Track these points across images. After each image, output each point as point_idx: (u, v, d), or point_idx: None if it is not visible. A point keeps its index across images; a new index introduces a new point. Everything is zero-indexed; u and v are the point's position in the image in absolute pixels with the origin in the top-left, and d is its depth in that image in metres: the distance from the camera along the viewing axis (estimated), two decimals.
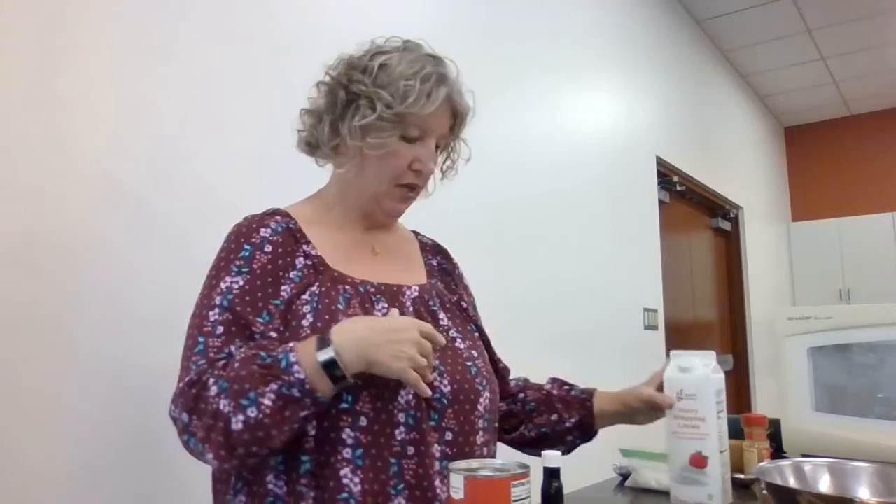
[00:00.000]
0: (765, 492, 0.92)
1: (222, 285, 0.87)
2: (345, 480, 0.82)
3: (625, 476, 1.29)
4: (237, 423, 0.76)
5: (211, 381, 0.80)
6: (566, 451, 1.08)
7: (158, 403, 0.93)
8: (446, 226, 1.40)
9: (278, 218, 0.95)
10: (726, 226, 4.67)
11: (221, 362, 0.82)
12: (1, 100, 1.10)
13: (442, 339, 0.86)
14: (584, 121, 2.91)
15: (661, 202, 3.59)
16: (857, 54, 4.65)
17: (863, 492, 0.93)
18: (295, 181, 1.10)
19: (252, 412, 0.76)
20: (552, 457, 0.83)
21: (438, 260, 1.11)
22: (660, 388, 1.03)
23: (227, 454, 0.78)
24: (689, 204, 4.19)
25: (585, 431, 1.09)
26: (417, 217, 1.11)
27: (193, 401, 0.80)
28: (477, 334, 1.05)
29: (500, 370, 1.12)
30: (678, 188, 3.84)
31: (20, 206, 1.11)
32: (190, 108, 1.38)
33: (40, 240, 1.13)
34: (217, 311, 0.86)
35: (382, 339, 0.81)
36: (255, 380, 0.77)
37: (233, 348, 0.84)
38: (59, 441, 1.12)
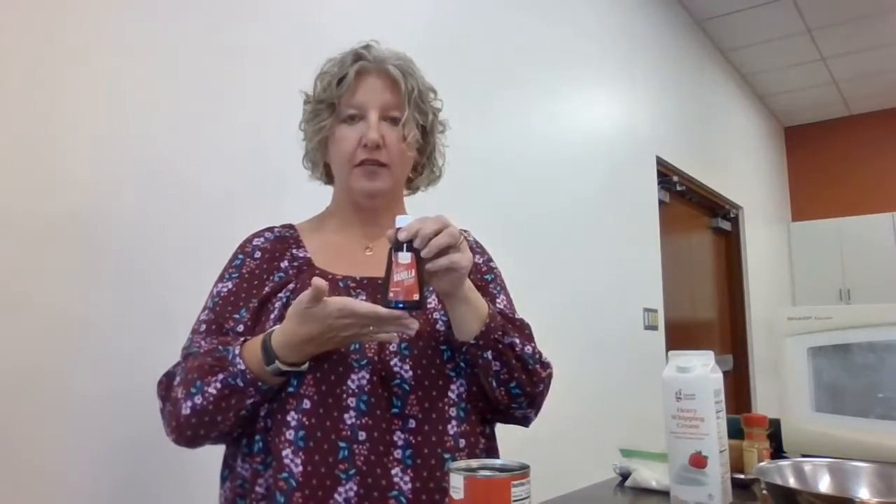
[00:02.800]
0: (765, 492, 0.92)
1: (214, 290, 0.98)
2: (286, 461, 0.84)
3: (625, 476, 1.29)
4: (185, 409, 0.85)
5: (178, 370, 0.91)
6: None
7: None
8: None
9: (276, 229, 1.04)
10: (726, 226, 4.67)
11: (191, 355, 0.91)
12: (10, 98, 1.10)
13: (321, 284, 0.80)
14: (584, 121, 2.91)
15: (661, 202, 3.59)
16: (857, 54, 4.65)
17: (863, 492, 0.93)
18: (295, 184, 1.12)
19: (198, 399, 0.85)
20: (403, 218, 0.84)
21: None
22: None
23: (178, 436, 0.87)
24: (689, 204, 4.19)
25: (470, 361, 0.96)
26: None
27: (165, 389, 0.92)
28: None
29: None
30: (678, 188, 3.84)
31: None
32: (191, 111, 1.39)
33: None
34: (206, 312, 0.96)
35: (318, 344, 0.84)
36: (203, 371, 0.86)
37: (203, 342, 0.92)
38: (81, 436, 1.14)
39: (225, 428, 0.86)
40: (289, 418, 0.86)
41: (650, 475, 1.22)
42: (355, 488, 0.83)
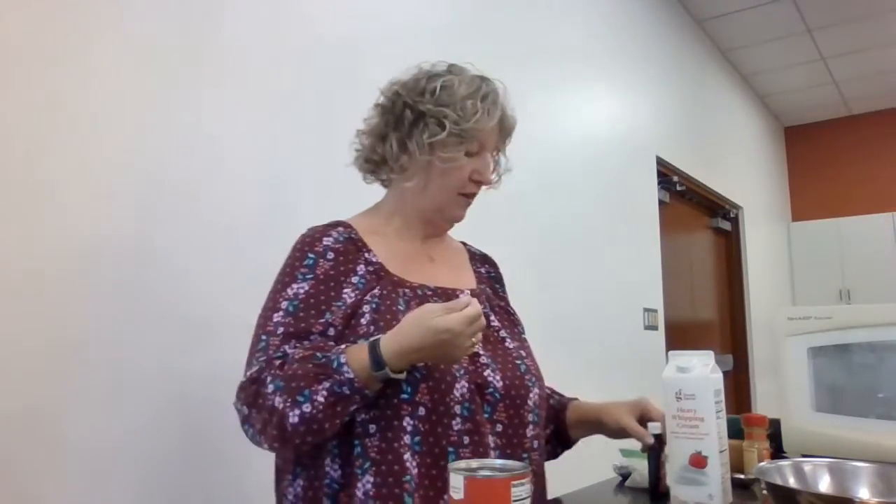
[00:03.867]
0: (765, 492, 0.92)
1: (289, 291, 0.97)
2: (407, 464, 0.89)
3: (625, 476, 1.29)
4: (294, 417, 0.86)
5: (269, 379, 0.89)
6: (550, 457, 1.15)
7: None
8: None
9: (340, 229, 1.04)
10: (726, 226, 4.67)
11: (278, 361, 0.91)
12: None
13: (479, 308, 0.90)
14: (583, 121, 2.91)
15: (661, 202, 3.59)
16: (857, 54, 4.65)
17: (863, 492, 0.93)
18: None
19: (307, 408, 0.86)
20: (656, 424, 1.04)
21: (486, 268, 1.21)
22: (642, 421, 1.09)
23: (281, 444, 0.89)
24: (689, 204, 4.19)
25: (562, 441, 1.19)
26: None
27: (253, 396, 0.90)
28: (525, 336, 1.14)
29: None
30: (678, 188, 3.84)
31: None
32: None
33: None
34: (281, 314, 0.95)
35: (426, 354, 0.88)
36: (309, 378, 0.87)
37: (287, 348, 0.92)
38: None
39: (330, 434, 0.89)
40: (405, 424, 0.91)
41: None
42: None
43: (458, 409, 0.93)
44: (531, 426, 1.01)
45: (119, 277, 1.21)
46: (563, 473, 1.18)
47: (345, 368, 0.87)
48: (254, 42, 1.53)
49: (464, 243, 1.24)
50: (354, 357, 0.88)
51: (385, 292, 0.98)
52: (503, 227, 2.27)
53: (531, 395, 1.02)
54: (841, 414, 1.37)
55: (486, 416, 0.96)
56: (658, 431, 1.09)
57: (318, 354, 0.89)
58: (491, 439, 0.95)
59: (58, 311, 1.13)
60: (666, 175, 3.69)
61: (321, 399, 0.86)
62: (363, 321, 0.95)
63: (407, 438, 0.90)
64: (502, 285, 1.23)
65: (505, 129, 1.10)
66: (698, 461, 0.96)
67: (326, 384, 0.86)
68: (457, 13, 2.20)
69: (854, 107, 5.62)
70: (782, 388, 1.45)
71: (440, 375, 0.93)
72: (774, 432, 1.38)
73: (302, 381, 0.87)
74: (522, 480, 0.66)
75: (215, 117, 1.43)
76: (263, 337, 0.95)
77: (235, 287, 1.34)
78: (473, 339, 0.89)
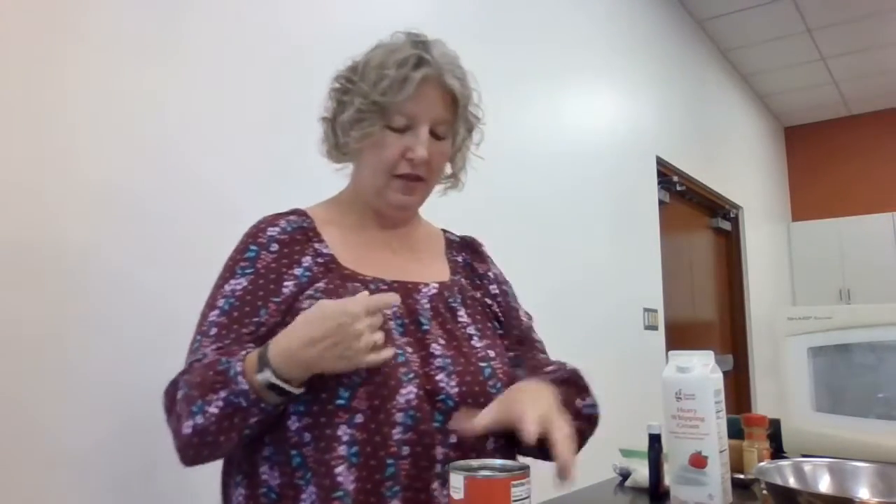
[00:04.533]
0: (765, 492, 0.92)
1: (227, 287, 0.89)
2: (339, 478, 0.80)
3: (625, 476, 1.29)
4: (186, 428, 0.80)
5: (181, 382, 0.83)
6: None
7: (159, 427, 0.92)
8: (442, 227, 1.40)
9: (292, 217, 0.96)
10: (726, 226, 4.66)
11: (196, 363, 0.84)
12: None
13: (389, 299, 0.80)
14: (583, 121, 2.91)
15: (661, 202, 3.59)
16: (857, 54, 4.65)
17: (863, 492, 0.93)
18: (304, 184, 1.10)
19: (199, 419, 0.79)
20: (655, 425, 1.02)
21: (464, 255, 1.08)
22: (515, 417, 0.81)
23: (183, 455, 0.83)
24: (689, 204, 4.19)
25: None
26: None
27: (170, 401, 0.85)
28: (500, 332, 1.02)
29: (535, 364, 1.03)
30: (678, 188, 3.84)
31: (17, 213, 1.11)
32: (193, 109, 1.38)
33: (37, 248, 1.13)
34: (217, 312, 0.87)
35: (319, 350, 0.77)
36: (205, 387, 0.79)
37: (208, 350, 0.85)
38: (60, 468, 1.11)
39: (228, 448, 0.82)
40: (339, 433, 0.81)
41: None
42: None
43: (399, 416, 0.82)
44: (493, 438, 0.88)
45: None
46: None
47: (240, 378, 0.78)
48: (226, 44, 1.53)
49: (444, 230, 1.12)
50: (250, 363, 0.79)
51: (331, 286, 0.88)
52: (503, 227, 2.27)
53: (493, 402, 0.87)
54: (841, 414, 1.37)
55: (436, 425, 0.84)
56: (657, 431, 1.09)
57: (223, 360, 0.80)
58: (440, 451, 0.84)
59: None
60: (666, 175, 3.70)
61: (214, 410, 0.78)
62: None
63: (342, 449, 0.81)
64: (481, 272, 1.08)
65: (451, 99, 0.94)
66: (698, 461, 0.96)
67: (222, 394, 0.78)
68: (454, 15, 2.20)
69: (854, 107, 5.62)
70: (782, 388, 1.46)
71: (382, 379, 0.83)
72: (774, 432, 1.38)
73: (198, 390, 0.79)
74: (522, 480, 0.66)
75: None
76: (198, 337, 0.87)
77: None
78: (374, 335, 0.78)
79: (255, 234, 0.93)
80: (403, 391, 0.84)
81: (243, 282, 0.88)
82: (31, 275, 1.11)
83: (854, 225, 5.42)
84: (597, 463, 1.37)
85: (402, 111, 0.91)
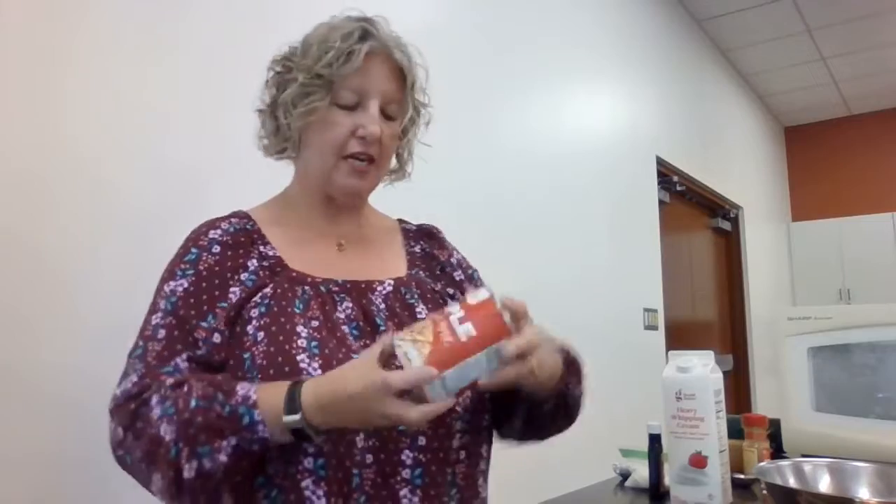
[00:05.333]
0: (765, 492, 0.92)
1: (166, 288, 0.84)
2: (307, 492, 0.76)
3: (625, 476, 1.29)
4: (190, 471, 0.72)
5: (154, 399, 0.75)
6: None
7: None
8: (442, 227, 1.40)
9: (234, 220, 0.91)
10: (726, 226, 4.67)
11: (169, 381, 0.77)
12: None
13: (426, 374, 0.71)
14: (584, 121, 2.91)
15: (661, 202, 3.59)
16: (857, 54, 4.65)
17: (863, 492, 0.93)
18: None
19: (207, 464, 0.72)
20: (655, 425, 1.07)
21: (422, 245, 1.02)
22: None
23: (172, 495, 0.74)
24: (689, 204, 4.19)
25: (508, 412, 0.94)
26: (411, 217, 1.11)
27: (130, 418, 0.76)
28: None
29: None
30: (678, 188, 3.84)
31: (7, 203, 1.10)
32: (182, 110, 1.38)
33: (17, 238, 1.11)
34: (160, 314, 0.82)
35: (356, 413, 0.72)
36: (211, 432, 0.72)
37: (179, 361, 0.79)
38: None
39: (225, 491, 0.76)
40: (304, 445, 0.76)
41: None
42: None
43: None
44: (459, 435, 0.84)
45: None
46: (563, 474, 1.18)
47: (259, 427, 0.72)
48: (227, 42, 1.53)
49: (400, 220, 1.06)
50: (267, 405, 0.72)
51: (279, 291, 0.83)
52: (502, 228, 2.27)
53: (460, 398, 0.84)
54: (841, 414, 1.37)
55: (401, 427, 0.78)
56: (657, 431, 1.09)
57: (221, 398, 0.73)
58: (409, 455, 0.80)
59: None
60: (666, 175, 3.70)
61: (224, 458, 0.72)
62: (250, 328, 0.80)
63: (308, 462, 0.76)
64: (446, 249, 1.03)
65: (399, 76, 0.90)
66: (698, 461, 0.97)
67: (233, 440, 0.72)
68: (455, 14, 2.20)
69: (854, 107, 5.62)
70: (782, 388, 1.46)
71: None
72: (774, 432, 1.38)
73: (204, 434, 0.72)
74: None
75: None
76: (141, 343, 0.81)
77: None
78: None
79: (195, 238, 0.88)
80: None
81: (184, 283, 0.83)
82: (25, 268, 1.11)
83: (854, 225, 5.42)
84: (597, 463, 1.38)
85: (349, 86, 0.87)
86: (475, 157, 2.18)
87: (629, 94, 3.37)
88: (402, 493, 0.79)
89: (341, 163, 0.88)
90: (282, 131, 0.92)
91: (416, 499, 0.79)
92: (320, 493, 0.76)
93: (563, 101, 2.76)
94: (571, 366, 0.91)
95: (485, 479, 0.91)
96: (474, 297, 0.76)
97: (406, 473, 0.80)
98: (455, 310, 0.75)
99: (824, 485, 0.96)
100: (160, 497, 0.76)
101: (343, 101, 0.87)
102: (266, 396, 0.73)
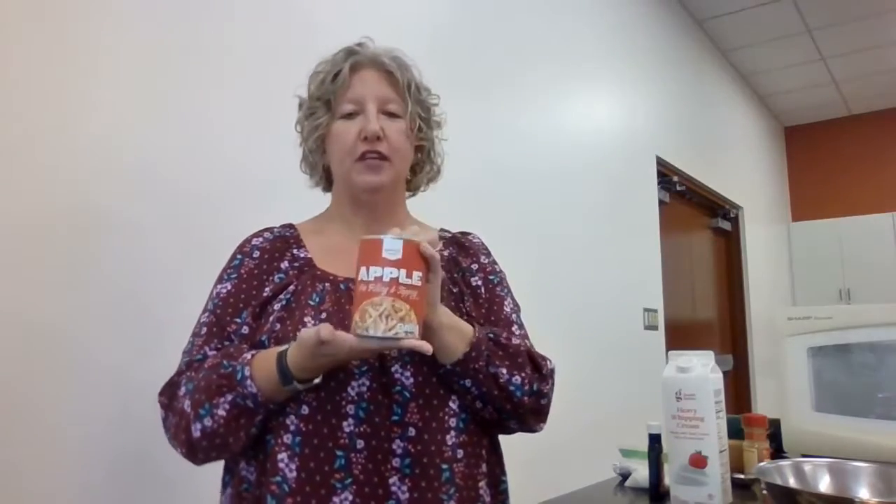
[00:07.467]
0: (765, 492, 0.92)
1: (213, 291, 0.96)
2: (280, 465, 0.83)
3: (625, 476, 1.29)
4: (196, 431, 0.83)
5: (183, 380, 0.87)
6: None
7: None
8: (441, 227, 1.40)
9: (277, 229, 1.02)
10: (726, 226, 4.67)
11: (196, 363, 0.89)
12: (20, 91, 1.10)
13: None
14: (584, 121, 2.91)
15: (661, 202, 3.59)
16: (857, 54, 4.65)
17: (863, 492, 0.93)
18: (286, 186, 1.10)
19: (208, 422, 0.83)
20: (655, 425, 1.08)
21: (451, 250, 1.05)
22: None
23: (191, 455, 0.86)
24: (689, 204, 4.19)
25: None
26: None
27: (169, 398, 0.88)
28: (481, 323, 0.97)
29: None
30: (678, 188, 3.84)
31: (34, 198, 1.11)
32: (212, 107, 1.39)
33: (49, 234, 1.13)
34: (207, 314, 0.94)
35: (318, 355, 0.79)
36: (211, 390, 0.83)
37: (207, 349, 0.90)
38: (64, 455, 1.12)
39: (237, 448, 0.85)
40: (287, 422, 0.84)
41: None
42: (351, 497, 0.81)
43: (350, 409, 0.84)
44: (454, 433, 0.88)
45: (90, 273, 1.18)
46: (563, 474, 1.18)
47: (248, 382, 0.82)
48: (255, 42, 1.53)
49: (443, 229, 1.10)
50: (259, 368, 0.82)
51: (300, 287, 0.92)
52: (502, 228, 2.27)
53: (454, 395, 0.89)
54: (841, 414, 1.37)
55: (395, 418, 0.85)
56: (657, 431, 1.09)
57: (225, 363, 0.85)
58: (400, 444, 0.84)
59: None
60: (666, 175, 3.70)
61: (222, 413, 0.82)
62: (271, 318, 0.90)
63: (287, 438, 0.84)
64: (471, 257, 1.06)
65: (391, 78, 0.97)
66: (698, 461, 0.96)
67: (229, 397, 0.82)
68: (455, 14, 2.20)
69: (854, 107, 5.62)
70: (782, 388, 1.46)
71: (330, 372, 0.84)
72: (774, 432, 1.38)
73: (204, 394, 0.83)
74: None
75: (214, 114, 1.43)
76: (191, 339, 0.93)
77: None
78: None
79: (241, 246, 1.00)
80: (355, 383, 0.85)
81: (228, 286, 0.95)
82: (39, 260, 1.11)
83: (854, 225, 5.42)
84: (597, 463, 1.38)
85: (346, 98, 0.96)
86: (473, 158, 2.18)
87: (629, 94, 3.37)
88: (391, 480, 0.83)
89: (356, 164, 0.95)
90: (306, 157, 1.04)
91: (405, 488, 0.83)
92: (293, 466, 0.83)
93: (562, 101, 2.76)
94: (496, 347, 0.90)
95: (488, 485, 0.92)
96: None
97: (396, 462, 0.84)
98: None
99: (824, 485, 0.96)
100: (187, 459, 0.87)
101: (344, 112, 0.96)
102: (259, 357, 0.84)
